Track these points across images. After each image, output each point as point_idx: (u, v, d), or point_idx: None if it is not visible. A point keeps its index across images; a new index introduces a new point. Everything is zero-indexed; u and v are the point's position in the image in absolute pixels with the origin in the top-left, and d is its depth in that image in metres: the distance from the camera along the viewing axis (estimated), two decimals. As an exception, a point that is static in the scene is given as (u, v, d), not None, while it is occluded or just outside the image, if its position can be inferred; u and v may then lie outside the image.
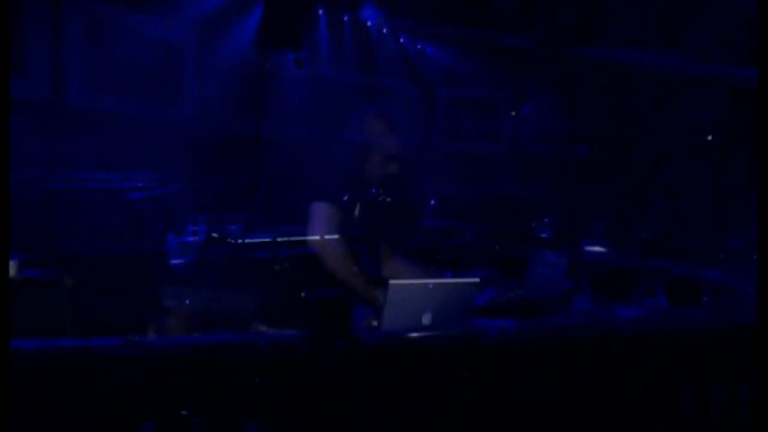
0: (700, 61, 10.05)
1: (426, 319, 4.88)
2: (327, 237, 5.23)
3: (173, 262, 7.97)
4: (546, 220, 10.14)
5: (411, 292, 5.00)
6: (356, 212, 5.41)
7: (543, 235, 9.64)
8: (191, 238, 8.45)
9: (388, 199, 5.55)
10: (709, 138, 10.57)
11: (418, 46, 11.01)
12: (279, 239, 7.36)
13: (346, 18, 11.07)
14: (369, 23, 10.85)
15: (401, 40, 10.85)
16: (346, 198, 5.35)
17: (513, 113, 10.67)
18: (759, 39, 5.31)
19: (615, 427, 4.27)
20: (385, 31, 10.82)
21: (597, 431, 4.25)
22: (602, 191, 11.02)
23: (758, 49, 5.24)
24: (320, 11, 11.09)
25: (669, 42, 10.14)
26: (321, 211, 5.27)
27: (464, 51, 10.86)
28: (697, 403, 4.34)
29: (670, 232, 10.55)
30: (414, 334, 4.34)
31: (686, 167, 10.83)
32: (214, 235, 8.31)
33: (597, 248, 10.14)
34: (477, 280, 5.26)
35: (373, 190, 5.53)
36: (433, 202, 10.27)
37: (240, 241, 7.82)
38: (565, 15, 10.21)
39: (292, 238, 7.10)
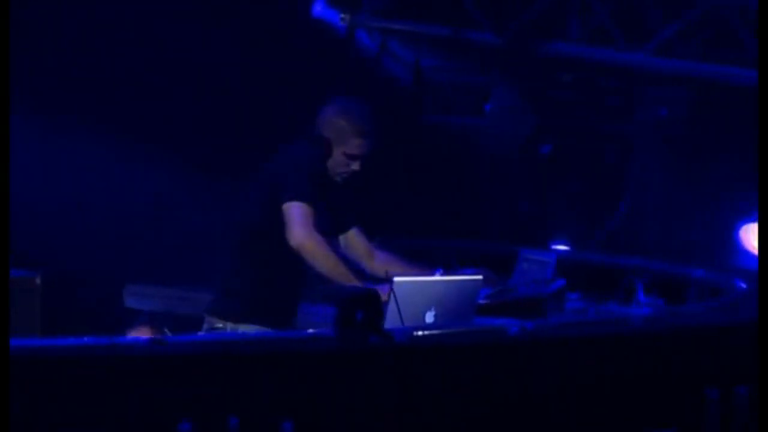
0: (664, 57, 10.04)
1: (429, 317, 4.78)
2: (313, 236, 5.09)
3: None
4: None
5: (415, 289, 4.88)
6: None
7: None
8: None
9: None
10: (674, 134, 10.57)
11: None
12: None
13: None
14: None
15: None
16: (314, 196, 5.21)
17: (478, 111, 10.57)
18: (759, 39, 5.28)
19: (637, 425, 4.21)
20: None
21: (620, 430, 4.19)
22: (568, 189, 10.99)
23: (758, 49, 5.20)
24: None
25: (633, 38, 10.11)
26: (300, 210, 5.11)
27: (429, 47, 10.76)
28: (721, 400, 4.29)
29: (638, 229, 10.55)
30: (437, 332, 4.25)
31: (652, 164, 10.82)
32: None
33: (563, 247, 10.10)
34: (480, 277, 5.17)
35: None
36: None
37: None
38: (529, 12, 10.15)
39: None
